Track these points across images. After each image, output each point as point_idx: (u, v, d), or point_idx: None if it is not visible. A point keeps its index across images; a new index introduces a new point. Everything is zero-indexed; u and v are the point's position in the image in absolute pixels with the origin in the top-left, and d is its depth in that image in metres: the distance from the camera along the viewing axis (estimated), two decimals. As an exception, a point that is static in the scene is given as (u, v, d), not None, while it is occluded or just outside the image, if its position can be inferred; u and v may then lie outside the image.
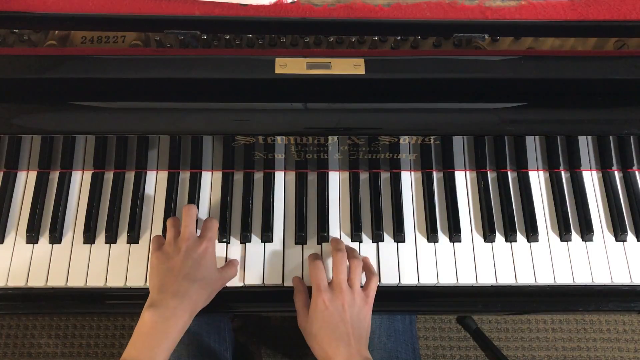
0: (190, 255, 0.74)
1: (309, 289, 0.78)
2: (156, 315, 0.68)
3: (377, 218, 0.85)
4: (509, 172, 0.89)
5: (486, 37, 0.76)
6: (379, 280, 0.81)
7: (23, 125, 0.73)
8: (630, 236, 0.86)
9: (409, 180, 0.88)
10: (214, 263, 0.77)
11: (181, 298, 0.70)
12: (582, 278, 0.82)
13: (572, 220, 0.86)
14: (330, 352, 0.71)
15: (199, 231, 0.82)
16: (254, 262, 0.83)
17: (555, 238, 0.85)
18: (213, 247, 0.77)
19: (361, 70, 0.71)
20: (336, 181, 0.88)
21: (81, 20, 0.74)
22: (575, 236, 0.85)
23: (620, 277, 0.83)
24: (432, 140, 0.81)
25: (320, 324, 0.72)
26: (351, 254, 0.79)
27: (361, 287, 0.77)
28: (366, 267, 0.81)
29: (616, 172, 0.89)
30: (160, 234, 0.84)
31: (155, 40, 0.80)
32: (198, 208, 0.85)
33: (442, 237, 0.85)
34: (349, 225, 0.85)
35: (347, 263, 0.77)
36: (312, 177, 0.88)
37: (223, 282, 0.78)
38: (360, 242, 0.84)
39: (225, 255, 0.83)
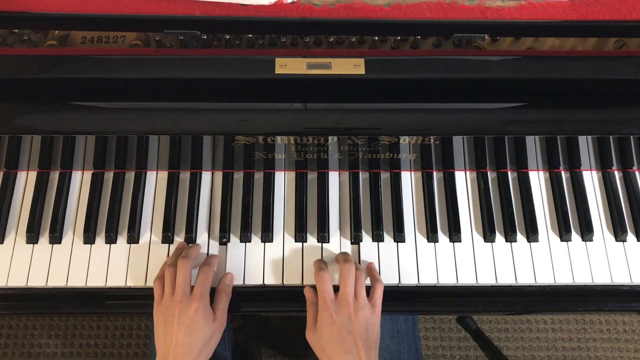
0: (182, 322, 0.73)
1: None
2: None
3: (377, 218, 0.85)
4: (509, 172, 0.88)
5: (486, 37, 0.76)
6: (379, 281, 0.81)
7: (23, 125, 0.73)
8: (630, 236, 0.86)
9: (409, 180, 0.88)
10: (208, 319, 0.75)
11: None
12: (582, 278, 0.82)
13: (572, 220, 0.86)
14: None
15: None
16: (254, 262, 0.82)
17: (555, 238, 0.85)
18: (205, 305, 0.75)
19: (361, 70, 0.71)
20: (336, 181, 0.88)
21: (81, 20, 0.74)
22: (575, 236, 0.85)
23: (620, 277, 0.83)
24: (432, 140, 0.81)
25: (329, 337, 0.73)
26: (356, 265, 0.79)
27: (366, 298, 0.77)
28: (371, 274, 0.80)
29: (616, 172, 0.89)
30: (160, 233, 0.84)
31: (155, 40, 0.80)
32: (198, 208, 0.85)
33: (442, 237, 0.85)
34: (349, 226, 0.85)
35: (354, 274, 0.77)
36: (312, 177, 0.88)
37: (222, 328, 0.77)
38: (360, 242, 0.84)
39: (225, 256, 0.83)
